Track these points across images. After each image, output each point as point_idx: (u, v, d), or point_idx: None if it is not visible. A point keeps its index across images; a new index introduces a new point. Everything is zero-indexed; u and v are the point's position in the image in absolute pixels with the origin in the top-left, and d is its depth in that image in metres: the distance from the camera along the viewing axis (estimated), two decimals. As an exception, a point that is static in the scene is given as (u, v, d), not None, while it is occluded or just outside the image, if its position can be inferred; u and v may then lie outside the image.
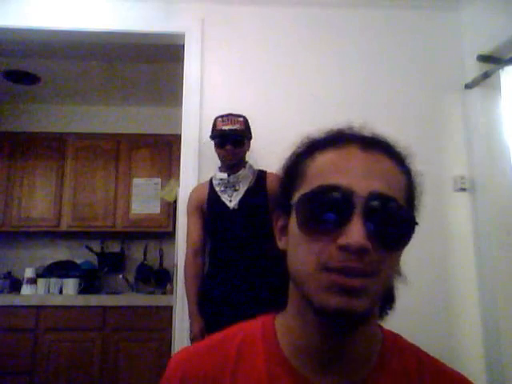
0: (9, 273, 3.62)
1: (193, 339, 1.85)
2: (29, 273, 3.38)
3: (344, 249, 0.49)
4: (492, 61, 2.17)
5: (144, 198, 3.67)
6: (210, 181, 2.00)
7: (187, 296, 1.92)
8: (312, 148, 0.59)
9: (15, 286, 3.48)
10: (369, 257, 0.50)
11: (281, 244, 0.60)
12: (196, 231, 1.96)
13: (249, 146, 2.02)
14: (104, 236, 3.80)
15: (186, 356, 0.62)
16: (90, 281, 3.58)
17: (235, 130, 1.92)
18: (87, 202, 3.64)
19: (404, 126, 2.29)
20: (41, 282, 3.38)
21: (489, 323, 2.10)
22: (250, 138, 2.03)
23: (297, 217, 0.54)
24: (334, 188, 0.52)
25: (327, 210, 0.51)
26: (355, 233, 0.49)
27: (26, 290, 3.33)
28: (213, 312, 1.85)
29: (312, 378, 0.56)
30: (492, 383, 2.03)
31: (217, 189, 1.95)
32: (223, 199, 1.93)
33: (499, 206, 2.14)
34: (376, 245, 0.50)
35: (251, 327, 0.63)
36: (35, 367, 3.03)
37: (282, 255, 0.59)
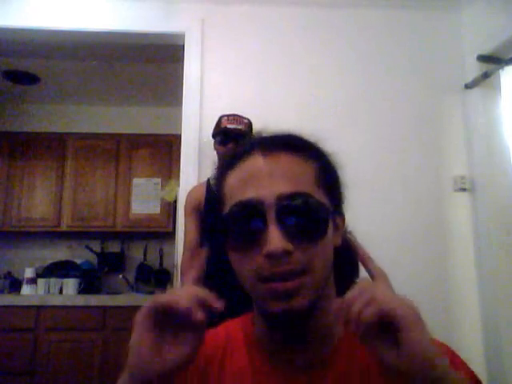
0: (9, 273, 3.62)
1: None
2: (29, 273, 3.38)
3: (269, 257, 0.52)
4: (492, 61, 2.17)
5: (144, 198, 3.67)
6: (208, 182, 1.99)
7: None
8: (225, 168, 0.61)
9: (15, 286, 3.48)
10: (294, 256, 0.52)
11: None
12: (193, 233, 1.95)
13: None
14: (104, 236, 3.80)
15: None
16: (90, 281, 3.58)
17: (239, 129, 1.92)
18: (87, 201, 3.64)
19: (404, 126, 2.29)
20: (41, 282, 3.38)
21: (489, 323, 2.10)
22: None
23: (225, 237, 0.57)
24: (244, 204, 0.55)
25: (245, 225, 0.54)
26: (273, 239, 0.52)
27: (25, 289, 3.33)
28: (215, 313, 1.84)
29: (283, 365, 0.60)
30: (492, 383, 2.03)
31: (214, 188, 1.95)
32: None
33: (499, 206, 2.14)
34: (297, 242, 0.53)
35: (233, 324, 0.68)
36: (35, 367, 3.03)
37: None
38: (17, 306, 3.12)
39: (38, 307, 3.12)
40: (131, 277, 3.72)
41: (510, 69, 2.11)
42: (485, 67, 2.19)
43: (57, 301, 3.19)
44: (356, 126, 2.27)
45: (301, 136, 0.64)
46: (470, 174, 2.26)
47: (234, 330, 0.66)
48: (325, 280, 0.57)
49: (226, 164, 0.62)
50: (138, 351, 0.49)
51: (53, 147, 3.71)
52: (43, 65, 3.25)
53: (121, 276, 3.67)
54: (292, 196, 0.54)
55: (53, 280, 3.41)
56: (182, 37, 2.29)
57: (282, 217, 0.53)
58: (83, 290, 3.45)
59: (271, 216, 0.53)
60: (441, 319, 2.14)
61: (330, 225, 0.57)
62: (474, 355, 2.10)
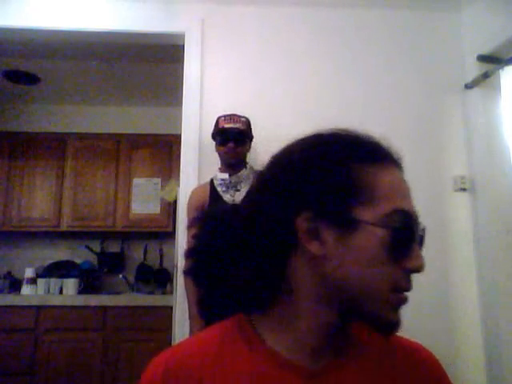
0: (9, 273, 3.62)
1: None
2: (29, 273, 3.38)
3: (415, 272, 0.55)
4: (492, 61, 2.17)
5: (144, 198, 3.67)
6: (211, 182, 2.00)
7: (187, 297, 1.92)
8: (362, 156, 0.58)
9: (15, 286, 3.49)
10: None
11: (314, 248, 0.56)
12: None
13: (249, 147, 2.02)
14: (104, 236, 3.80)
15: (167, 356, 0.62)
16: (90, 281, 3.58)
17: (237, 128, 1.93)
18: (87, 202, 3.65)
19: (404, 127, 2.29)
20: (41, 282, 3.38)
21: (489, 323, 2.10)
22: (252, 138, 2.03)
23: (381, 240, 0.54)
24: (408, 214, 0.56)
25: (405, 235, 0.55)
26: (420, 257, 0.55)
27: (25, 290, 3.33)
28: (214, 313, 1.83)
29: (302, 364, 0.58)
30: (492, 383, 2.04)
31: (218, 189, 1.95)
32: (225, 199, 1.93)
33: (499, 206, 2.14)
34: None
35: (225, 329, 0.64)
36: (35, 367, 3.03)
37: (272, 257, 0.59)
38: (17, 306, 3.13)
39: (38, 307, 3.12)
40: (131, 277, 3.72)
41: (510, 69, 2.11)
42: (485, 67, 2.19)
43: (57, 301, 3.20)
44: (356, 126, 2.26)
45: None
46: (470, 174, 2.26)
47: (228, 335, 0.63)
48: None
49: (366, 154, 0.59)
50: None
51: (53, 147, 3.71)
52: (43, 65, 3.25)
53: (121, 276, 3.68)
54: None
55: (53, 280, 3.41)
56: (181, 37, 2.30)
57: (421, 239, 0.57)
58: (83, 290, 3.45)
59: (417, 233, 0.56)
60: (441, 319, 2.14)
61: None
62: (473, 355, 2.10)
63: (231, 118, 1.96)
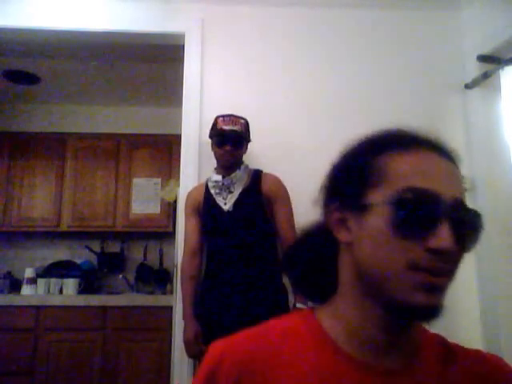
0: (9, 273, 3.62)
1: (186, 342, 1.81)
2: (29, 273, 3.39)
3: (434, 251, 0.53)
4: (492, 61, 2.17)
5: (144, 198, 3.67)
6: (206, 183, 1.99)
7: (182, 297, 1.90)
8: (382, 146, 0.60)
9: (15, 286, 3.49)
10: (455, 259, 0.56)
11: (342, 236, 0.61)
12: (193, 233, 1.95)
13: (246, 149, 2.00)
14: (104, 236, 3.80)
15: (226, 343, 0.62)
16: (90, 281, 3.58)
17: (235, 130, 1.90)
18: (87, 201, 3.65)
19: (404, 126, 2.29)
20: (41, 282, 3.38)
21: (489, 323, 2.10)
22: (249, 140, 2.00)
23: (388, 218, 0.55)
24: (425, 192, 0.54)
25: (418, 213, 0.54)
26: (446, 238, 0.53)
27: (25, 290, 3.33)
28: (211, 313, 1.83)
29: (370, 362, 0.58)
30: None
31: (212, 191, 1.93)
32: (218, 201, 1.90)
33: (499, 206, 2.14)
34: (457, 248, 0.55)
35: (288, 322, 0.65)
36: (35, 367, 3.03)
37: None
38: (17, 306, 3.13)
39: (38, 307, 3.12)
40: (131, 277, 3.72)
41: (510, 69, 2.11)
42: (485, 67, 2.19)
43: (57, 301, 3.20)
44: (356, 126, 2.26)
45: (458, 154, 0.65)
46: (470, 174, 2.26)
47: (291, 327, 0.63)
48: None
49: (387, 143, 0.61)
50: None
51: (53, 147, 3.72)
52: (43, 65, 3.25)
53: (121, 276, 3.68)
54: (465, 205, 0.57)
55: (53, 280, 3.41)
56: (182, 37, 2.29)
57: (455, 220, 0.54)
58: (83, 290, 3.45)
59: (446, 214, 0.54)
60: (440, 319, 2.14)
61: None
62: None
63: (230, 119, 1.92)
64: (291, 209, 1.92)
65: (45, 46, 2.77)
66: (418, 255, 0.53)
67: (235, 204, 1.88)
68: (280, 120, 2.24)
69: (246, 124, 1.98)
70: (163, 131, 3.74)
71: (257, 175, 1.95)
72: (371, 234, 0.57)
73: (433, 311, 0.54)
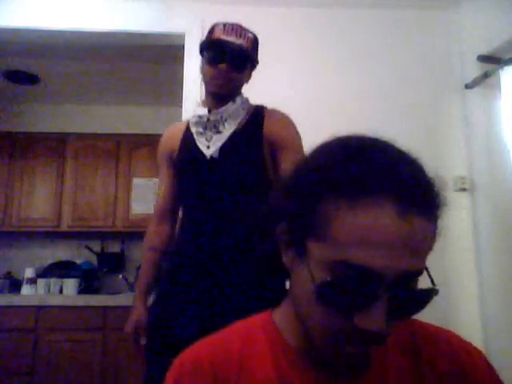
0: (9, 273, 3.62)
1: (125, 335, 1.39)
2: (29, 273, 3.38)
3: (365, 332, 0.48)
4: (492, 61, 2.17)
5: (144, 198, 3.67)
6: (187, 123, 1.47)
7: (141, 273, 1.50)
8: (338, 185, 0.49)
9: (15, 286, 3.48)
10: (382, 336, 0.49)
11: (285, 260, 0.57)
12: (165, 190, 1.48)
13: (249, 77, 1.48)
14: (104, 236, 3.80)
15: (191, 353, 0.62)
16: (90, 281, 3.58)
17: (239, 45, 1.33)
18: (87, 201, 3.64)
19: (404, 127, 2.28)
20: (41, 282, 3.38)
21: (489, 323, 2.10)
22: (256, 64, 1.47)
23: (316, 285, 0.49)
24: (361, 269, 0.47)
25: (350, 290, 0.48)
26: (377, 320, 0.47)
27: (25, 290, 3.33)
28: (181, 283, 1.32)
29: (318, 371, 0.57)
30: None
31: (193, 130, 1.39)
32: (198, 144, 1.36)
33: (499, 206, 2.14)
34: (394, 321, 0.49)
35: (250, 325, 0.63)
36: (35, 367, 3.02)
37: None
38: (17, 306, 3.12)
39: (38, 307, 3.12)
40: (131, 277, 3.71)
41: (509, 69, 2.11)
42: (485, 67, 2.19)
43: (57, 301, 3.19)
44: (355, 126, 2.26)
45: (428, 180, 0.53)
46: (470, 174, 2.26)
47: (251, 334, 0.61)
48: None
49: (343, 183, 0.49)
50: None
51: (53, 147, 3.71)
52: (43, 65, 3.25)
53: (121, 276, 3.67)
54: (414, 275, 0.50)
55: (53, 280, 3.41)
56: (181, 37, 2.30)
57: (394, 298, 0.48)
58: (83, 290, 3.45)
59: (384, 294, 0.47)
60: (440, 319, 2.14)
61: None
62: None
63: (234, 28, 1.35)
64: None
65: (45, 46, 2.78)
66: (344, 328, 0.49)
67: (222, 149, 1.32)
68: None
69: (255, 40, 1.42)
70: (163, 131, 3.73)
71: (258, 112, 1.44)
72: (302, 283, 0.52)
73: (356, 368, 0.55)
